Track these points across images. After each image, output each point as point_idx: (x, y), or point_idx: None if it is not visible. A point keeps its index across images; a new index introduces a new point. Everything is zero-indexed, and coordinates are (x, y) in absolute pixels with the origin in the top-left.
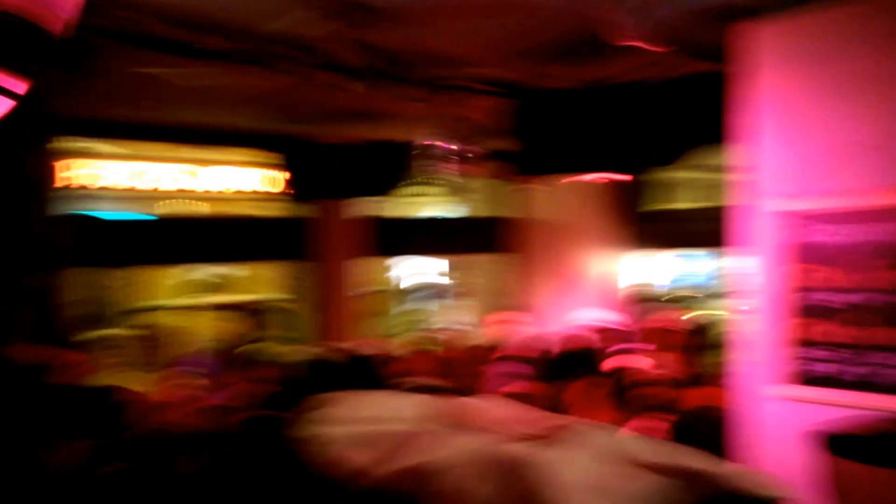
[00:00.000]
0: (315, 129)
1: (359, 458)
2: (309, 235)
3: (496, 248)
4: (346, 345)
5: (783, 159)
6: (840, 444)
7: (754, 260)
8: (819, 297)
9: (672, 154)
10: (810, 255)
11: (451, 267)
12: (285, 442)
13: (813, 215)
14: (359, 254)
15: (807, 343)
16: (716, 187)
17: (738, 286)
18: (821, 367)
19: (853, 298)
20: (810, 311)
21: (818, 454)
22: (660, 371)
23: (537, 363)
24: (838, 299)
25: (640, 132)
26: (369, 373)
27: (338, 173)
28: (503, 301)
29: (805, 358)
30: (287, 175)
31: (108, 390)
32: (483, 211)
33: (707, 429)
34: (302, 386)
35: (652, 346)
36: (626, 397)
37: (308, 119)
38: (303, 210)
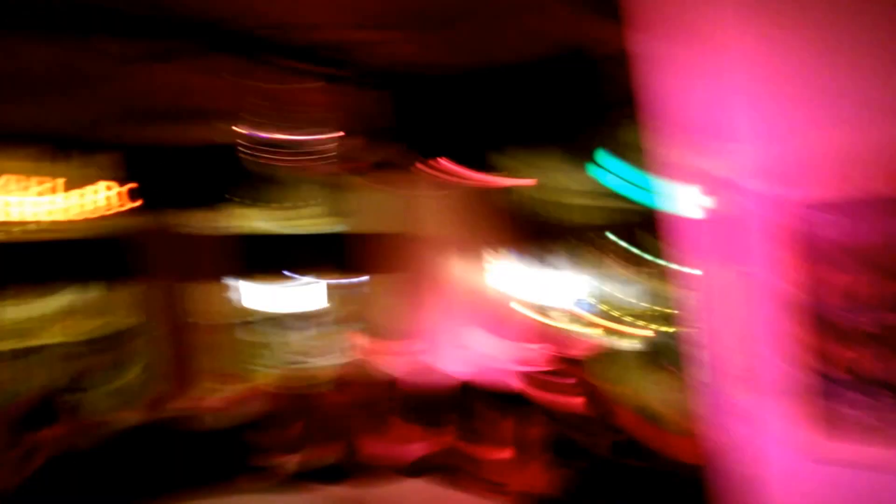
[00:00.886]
0: (154, 131)
1: None
2: (147, 255)
3: (378, 268)
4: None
5: (763, 129)
6: None
7: (731, 265)
8: (839, 316)
9: (577, 142)
10: (819, 256)
11: (326, 290)
12: None
13: (819, 202)
14: (212, 275)
15: (828, 378)
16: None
17: (707, 302)
18: (851, 414)
19: (889, 319)
20: (828, 335)
21: None
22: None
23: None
24: (866, 319)
25: (539, 118)
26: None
27: (185, 181)
28: (389, 328)
29: (827, 398)
30: (118, 185)
31: None
32: (359, 225)
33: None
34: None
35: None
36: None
37: (143, 119)
38: (137, 224)
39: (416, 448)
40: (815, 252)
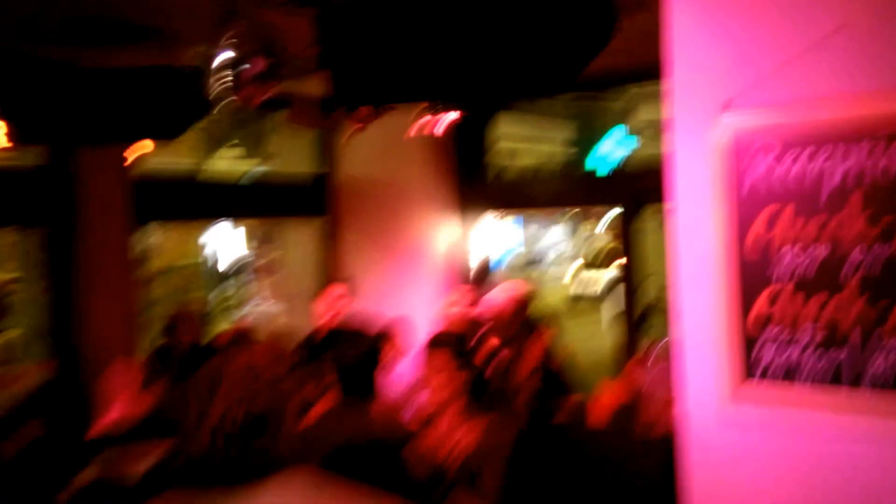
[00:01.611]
0: (69, 52)
1: None
2: (56, 193)
3: (308, 213)
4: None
5: (707, 53)
6: None
7: (684, 205)
8: (779, 254)
9: (530, 78)
10: (764, 193)
11: (250, 237)
12: None
13: (761, 133)
14: (129, 219)
15: (763, 321)
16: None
17: (669, 243)
18: (780, 357)
19: (819, 252)
20: (764, 275)
21: None
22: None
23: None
24: (800, 258)
25: (487, 46)
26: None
27: (100, 110)
28: (319, 279)
29: (759, 342)
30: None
31: None
32: (289, 165)
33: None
34: None
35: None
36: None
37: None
38: (26, 162)
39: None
40: (758, 189)
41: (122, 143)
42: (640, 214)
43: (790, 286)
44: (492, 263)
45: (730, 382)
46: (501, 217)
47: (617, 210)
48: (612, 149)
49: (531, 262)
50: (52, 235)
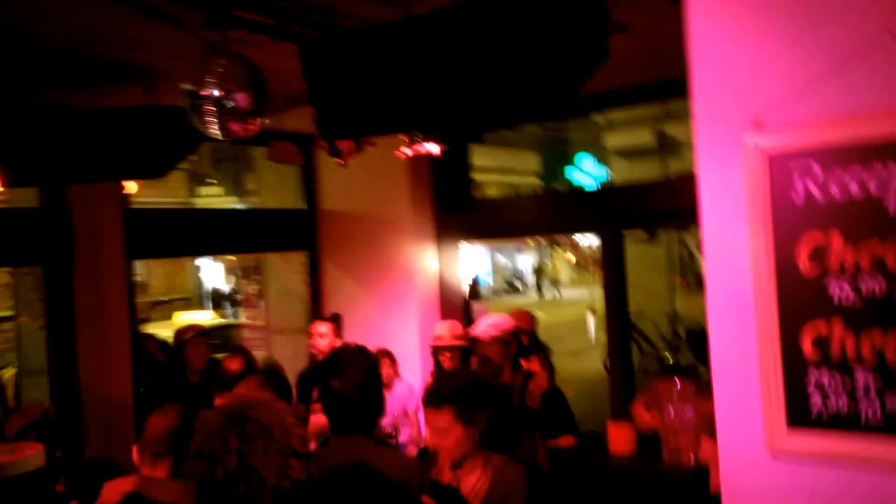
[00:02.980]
0: (57, 94)
1: None
2: (51, 231)
3: (292, 246)
4: None
5: (732, 64)
6: None
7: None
8: (823, 286)
9: (508, 108)
10: (803, 218)
11: (231, 271)
12: None
13: (796, 152)
14: (122, 254)
15: (807, 360)
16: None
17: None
18: (829, 401)
19: (871, 286)
20: (810, 309)
21: None
22: None
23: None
24: (847, 291)
25: (471, 74)
26: None
27: (89, 150)
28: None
29: (804, 383)
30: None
31: None
32: (272, 200)
33: None
34: None
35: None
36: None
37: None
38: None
39: None
40: (787, 209)
41: (111, 180)
42: (618, 239)
43: (838, 320)
44: (473, 290)
45: (769, 432)
46: (477, 245)
47: (589, 235)
48: (583, 176)
49: (510, 288)
50: (48, 273)
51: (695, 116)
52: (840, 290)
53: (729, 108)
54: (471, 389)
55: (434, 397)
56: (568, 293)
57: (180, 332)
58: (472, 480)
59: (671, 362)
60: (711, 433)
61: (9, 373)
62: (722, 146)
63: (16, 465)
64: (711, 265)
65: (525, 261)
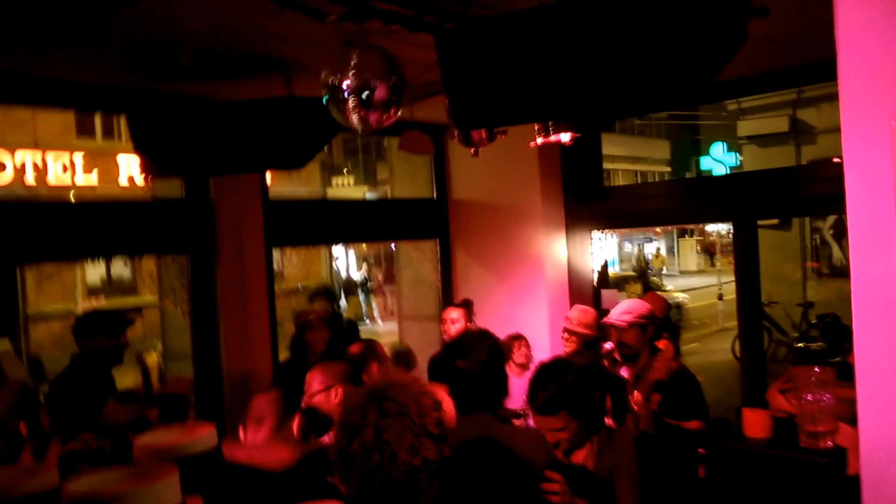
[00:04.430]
0: (198, 87)
1: None
2: (195, 221)
3: (424, 234)
4: None
5: (887, 55)
6: None
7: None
8: None
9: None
10: None
11: (363, 258)
12: None
13: None
14: (263, 242)
15: None
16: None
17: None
18: None
19: None
20: None
21: None
22: None
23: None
24: None
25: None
26: None
27: (230, 141)
28: (434, 297)
29: None
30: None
31: None
32: (404, 190)
33: None
34: None
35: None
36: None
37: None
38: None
39: None
40: None
41: (252, 171)
42: (752, 228)
43: None
44: (602, 278)
45: None
46: (608, 233)
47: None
48: (714, 163)
49: (640, 275)
50: (193, 260)
51: (841, 103)
52: None
53: (877, 94)
54: (577, 384)
55: (546, 405)
56: (695, 280)
57: (301, 315)
58: (584, 452)
59: (801, 348)
60: (848, 419)
61: (153, 356)
62: (869, 133)
63: (192, 446)
64: (857, 253)
65: (652, 248)
